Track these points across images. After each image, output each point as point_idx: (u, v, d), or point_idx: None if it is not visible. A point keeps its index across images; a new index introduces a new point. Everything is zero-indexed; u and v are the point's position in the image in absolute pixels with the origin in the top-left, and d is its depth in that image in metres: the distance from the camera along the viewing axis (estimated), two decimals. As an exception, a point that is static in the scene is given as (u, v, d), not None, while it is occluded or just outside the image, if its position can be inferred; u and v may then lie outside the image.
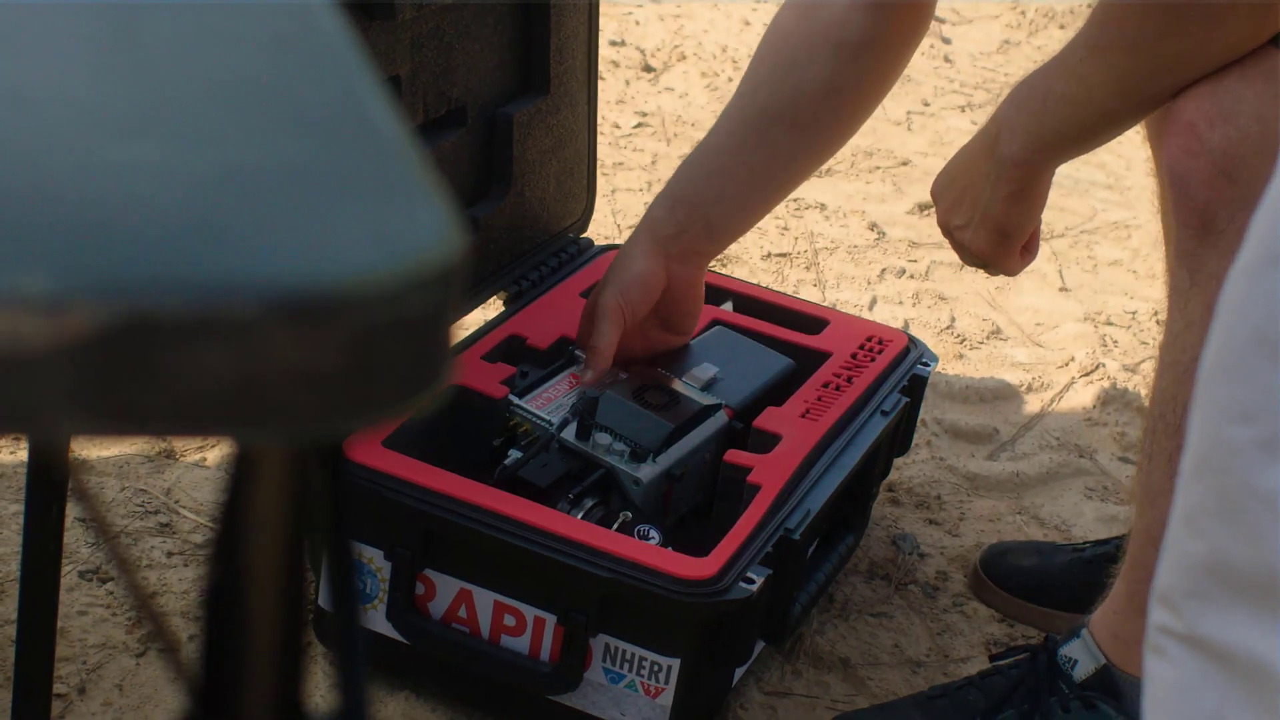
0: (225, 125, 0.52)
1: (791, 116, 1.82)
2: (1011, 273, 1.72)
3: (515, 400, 1.79)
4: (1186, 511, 1.04)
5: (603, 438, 1.75)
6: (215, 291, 0.44)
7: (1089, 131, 1.57)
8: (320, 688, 1.65)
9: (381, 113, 0.54)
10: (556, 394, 1.82)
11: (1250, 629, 1.00)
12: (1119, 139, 1.66)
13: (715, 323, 2.04)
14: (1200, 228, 1.45)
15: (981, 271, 1.79)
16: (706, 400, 1.84)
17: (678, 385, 1.86)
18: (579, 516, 1.66)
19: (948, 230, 1.70)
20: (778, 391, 1.92)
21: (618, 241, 2.73)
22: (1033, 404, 2.51)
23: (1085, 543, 2.05)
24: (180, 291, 0.43)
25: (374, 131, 0.53)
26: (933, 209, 1.73)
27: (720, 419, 1.84)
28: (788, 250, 2.91)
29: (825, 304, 2.66)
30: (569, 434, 1.76)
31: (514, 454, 1.73)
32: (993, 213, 1.63)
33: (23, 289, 0.42)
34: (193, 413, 0.44)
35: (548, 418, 1.77)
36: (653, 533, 1.66)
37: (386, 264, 0.46)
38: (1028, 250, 1.70)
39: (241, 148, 0.51)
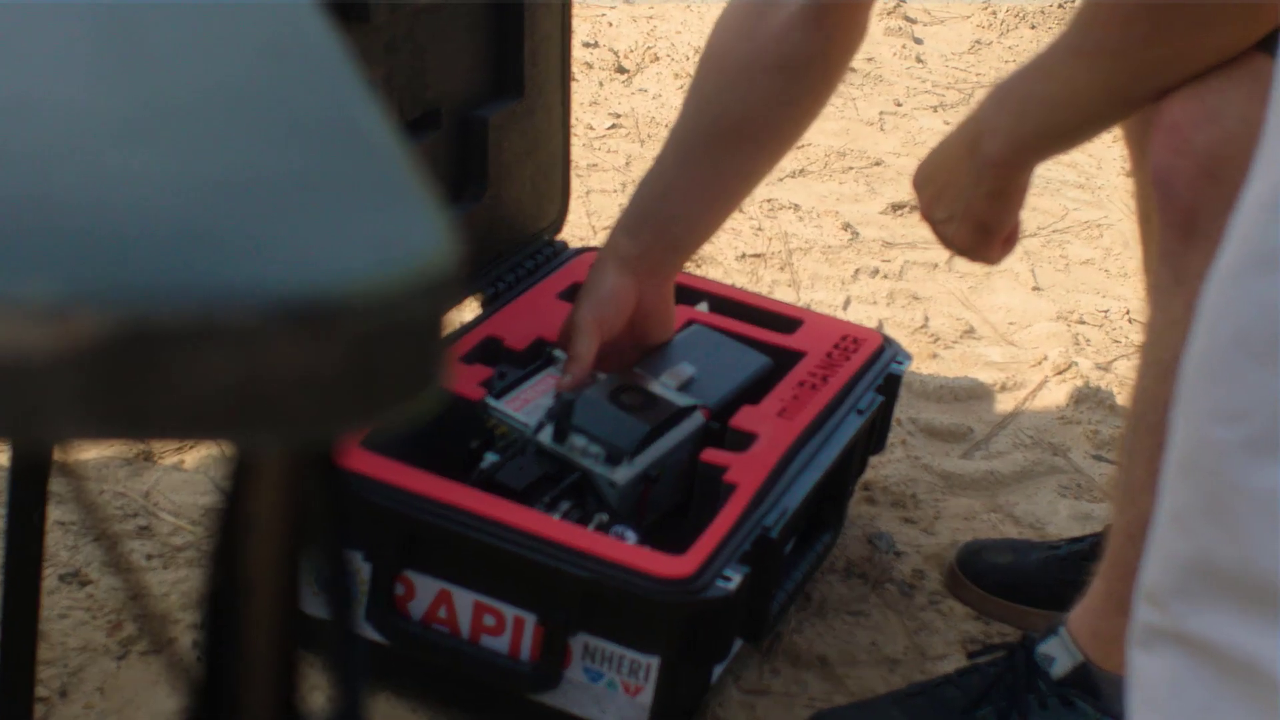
0: (223, 133, 0.53)
1: (740, 134, 1.85)
2: (992, 263, 1.73)
3: (492, 402, 1.79)
4: (1172, 511, 1.05)
5: (579, 440, 1.76)
6: (217, 298, 0.44)
7: (1070, 132, 1.58)
8: (317, 691, 1.65)
9: (374, 118, 0.55)
10: (534, 395, 1.83)
11: (1239, 627, 1.01)
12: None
13: (692, 322, 2.05)
14: (1184, 228, 1.46)
15: (956, 268, 1.80)
16: (683, 401, 1.85)
17: (655, 386, 1.87)
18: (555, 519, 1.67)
19: (930, 221, 1.71)
20: (756, 390, 1.93)
21: (593, 243, 2.74)
22: (1006, 403, 2.53)
23: (1060, 541, 2.06)
24: (183, 298, 0.44)
25: (367, 137, 0.54)
26: (906, 208, 1.75)
27: (697, 419, 1.84)
28: (762, 251, 2.92)
29: (800, 304, 2.67)
30: (545, 437, 1.76)
31: (490, 457, 1.73)
32: (974, 210, 1.64)
33: (27, 296, 0.43)
34: (194, 417, 0.45)
35: (525, 420, 1.78)
36: (628, 534, 1.67)
37: (384, 270, 0.47)
38: (1008, 242, 1.72)
39: (239, 155, 0.51)
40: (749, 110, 1.84)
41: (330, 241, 0.48)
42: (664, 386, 1.87)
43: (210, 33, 0.59)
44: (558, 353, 1.89)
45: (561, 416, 1.76)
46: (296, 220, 0.48)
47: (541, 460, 1.75)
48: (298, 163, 0.52)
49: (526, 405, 1.81)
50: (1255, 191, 0.99)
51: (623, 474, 1.74)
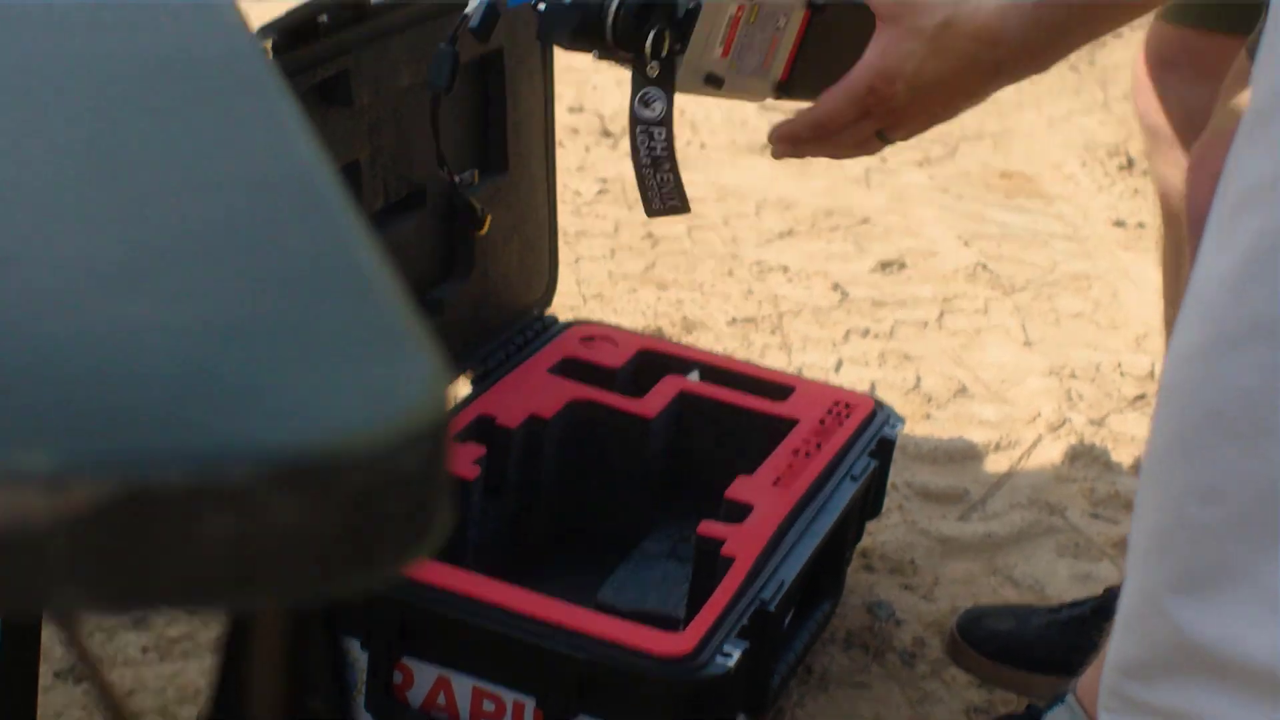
0: (214, 279, 0.52)
1: None
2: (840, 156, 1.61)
3: None
4: (1146, 588, 1.05)
5: None
6: (213, 460, 0.44)
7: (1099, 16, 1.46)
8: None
9: (366, 257, 0.55)
10: None
11: (1231, 707, 1.00)
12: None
13: None
14: None
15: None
16: None
17: None
18: None
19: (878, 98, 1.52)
20: None
21: (584, 311, 2.74)
22: (1001, 462, 2.52)
23: (1061, 605, 2.05)
24: (179, 462, 0.43)
25: (359, 279, 0.53)
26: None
27: None
28: (753, 314, 2.92)
29: (792, 367, 2.67)
30: None
31: None
32: (936, 100, 1.50)
33: (24, 466, 0.42)
34: (194, 583, 0.44)
35: None
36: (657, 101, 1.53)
37: (380, 421, 0.46)
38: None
39: (230, 303, 0.51)
40: None
41: (323, 393, 0.47)
42: None
43: (195, 170, 0.59)
44: None
45: None
46: (290, 371, 0.48)
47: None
48: (287, 310, 0.51)
49: None
50: (1216, 266, 0.99)
51: None
